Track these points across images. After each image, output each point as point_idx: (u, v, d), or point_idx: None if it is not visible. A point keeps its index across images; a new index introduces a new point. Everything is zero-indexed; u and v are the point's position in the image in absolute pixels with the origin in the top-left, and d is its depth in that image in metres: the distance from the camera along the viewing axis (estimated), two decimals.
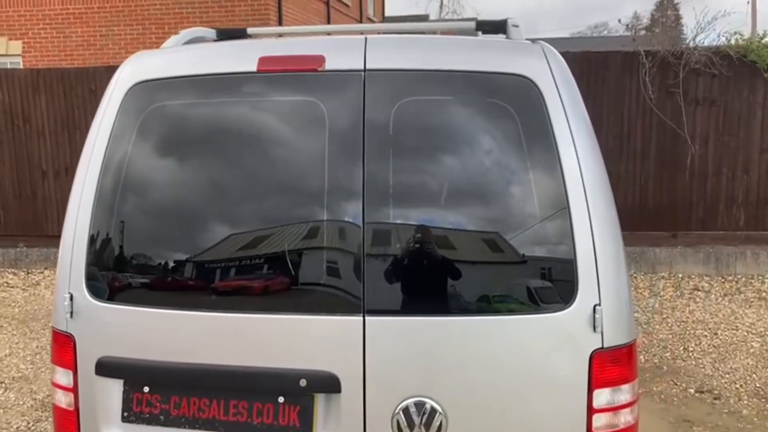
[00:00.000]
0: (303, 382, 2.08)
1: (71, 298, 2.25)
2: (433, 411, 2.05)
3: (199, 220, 2.18)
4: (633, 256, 8.01)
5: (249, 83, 2.17)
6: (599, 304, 2.06)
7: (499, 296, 2.10)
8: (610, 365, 2.10)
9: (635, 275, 7.97)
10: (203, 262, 2.17)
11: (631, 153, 8.19)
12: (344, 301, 2.08)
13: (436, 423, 2.05)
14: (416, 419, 2.05)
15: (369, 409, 2.07)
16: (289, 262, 2.11)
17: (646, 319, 6.71)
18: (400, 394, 2.06)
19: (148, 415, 2.21)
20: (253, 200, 2.16)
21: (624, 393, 2.13)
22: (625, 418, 2.14)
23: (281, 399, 2.13)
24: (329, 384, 2.07)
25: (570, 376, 2.07)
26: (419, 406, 2.06)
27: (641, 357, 5.73)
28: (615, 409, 2.12)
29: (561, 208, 2.07)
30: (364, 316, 2.06)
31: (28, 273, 8.69)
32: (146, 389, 2.21)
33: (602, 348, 2.08)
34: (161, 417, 2.20)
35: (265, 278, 2.15)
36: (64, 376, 2.30)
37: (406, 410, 2.06)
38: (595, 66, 8.06)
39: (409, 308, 2.09)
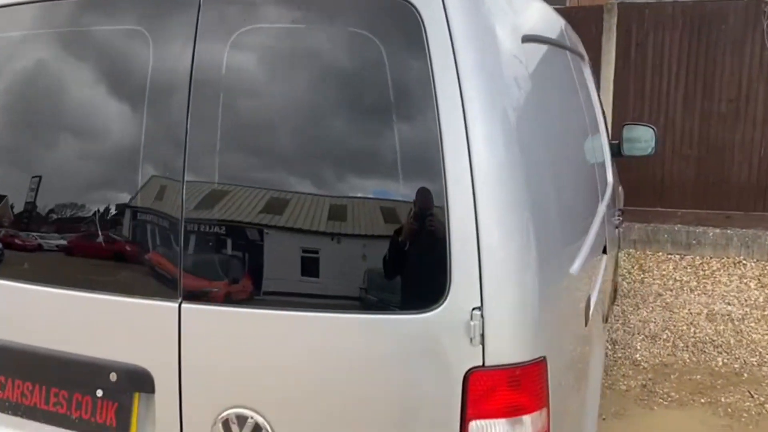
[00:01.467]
0: (113, 377, 1.72)
1: None
2: (258, 428, 1.62)
3: None
4: (744, 240, 6.96)
5: (59, 10, 1.79)
6: (480, 308, 1.53)
7: (348, 288, 1.61)
8: (498, 389, 1.56)
9: (744, 261, 6.93)
10: (9, 224, 1.84)
11: (749, 120, 7.07)
12: (158, 281, 1.69)
13: None
14: None
15: (186, 417, 1.67)
16: (99, 230, 1.73)
17: (742, 315, 5.77)
18: (222, 402, 1.65)
19: None
20: (59, 155, 1.79)
21: (519, 427, 1.59)
22: None
23: (99, 393, 1.78)
24: (141, 381, 1.70)
25: (436, 401, 1.57)
26: (241, 419, 1.63)
27: (720, 359, 4.90)
28: None
29: (433, 181, 1.53)
30: (180, 303, 1.65)
31: None
32: None
33: (482, 366, 1.55)
34: None
35: (71, 247, 1.79)
36: None
37: (226, 423, 1.64)
38: (709, 19, 6.98)
39: (235, 297, 1.65)
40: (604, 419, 4.05)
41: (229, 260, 1.64)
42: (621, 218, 4.21)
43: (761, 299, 6.14)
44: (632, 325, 5.59)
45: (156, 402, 1.69)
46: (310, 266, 1.60)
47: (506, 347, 1.55)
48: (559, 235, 1.82)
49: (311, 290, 1.61)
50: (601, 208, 2.93)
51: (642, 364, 4.85)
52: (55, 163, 1.80)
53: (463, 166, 1.52)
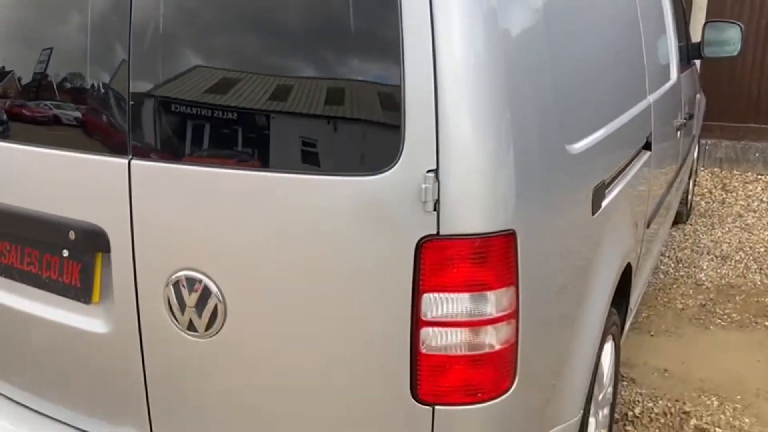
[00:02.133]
0: (72, 235, 1.69)
1: None
2: (207, 291, 1.55)
3: None
4: None
5: None
6: (435, 171, 1.37)
7: (298, 148, 1.48)
8: (455, 262, 1.42)
9: None
10: None
11: None
12: (109, 138, 1.61)
13: (210, 307, 1.56)
14: (187, 299, 1.57)
15: (140, 277, 1.63)
16: (54, 88, 1.67)
17: None
18: (173, 264, 1.58)
19: None
20: (14, 18, 1.72)
21: (479, 304, 1.45)
22: (479, 339, 1.47)
23: (66, 253, 1.76)
24: (98, 240, 1.65)
25: (386, 271, 1.44)
26: (191, 282, 1.56)
27: None
28: (460, 324, 1.45)
29: (388, 33, 1.36)
30: (130, 159, 1.58)
31: None
32: None
33: (437, 235, 1.40)
34: None
35: (29, 105, 1.74)
36: None
37: (176, 285, 1.58)
38: None
39: (184, 154, 1.55)
40: (652, 335, 3.83)
41: (180, 118, 1.54)
42: (686, 121, 3.85)
43: None
44: (702, 245, 5.23)
45: (112, 262, 1.65)
46: (260, 125, 1.48)
47: (464, 215, 1.39)
48: (553, 107, 1.61)
49: (260, 149, 1.49)
50: (646, 103, 2.64)
51: (705, 284, 4.54)
52: (10, 26, 1.75)
53: (422, 16, 1.34)
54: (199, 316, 1.57)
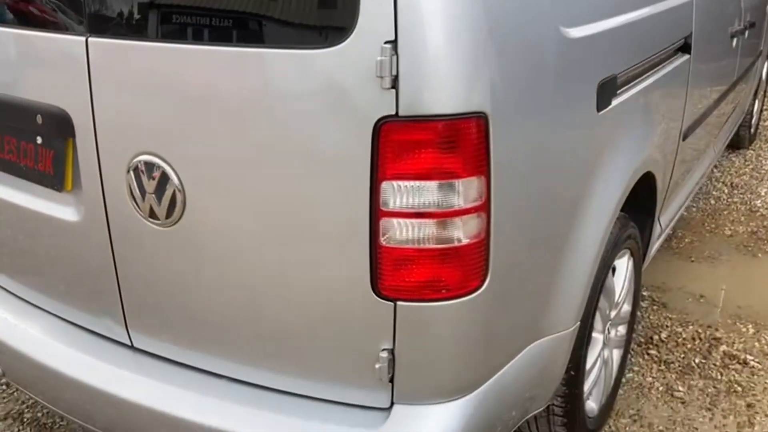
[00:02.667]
0: (39, 119, 1.64)
1: None
2: (165, 177, 1.48)
3: None
4: None
5: None
6: (394, 42, 1.24)
7: (248, 20, 1.37)
8: (416, 146, 1.30)
9: None
10: None
11: None
12: (65, 11, 1.54)
13: (169, 193, 1.49)
14: (147, 185, 1.51)
15: (103, 162, 1.57)
16: None
17: None
18: (132, 148, 1.52)
19: None
20: None
21: (450, 193, 1.33)
22: (445, 232, 1.36)
23: (39, 140, 1.72)
24: (62, 124, 1.60)
25: (343, 155, 1.33)
26: (149, 167, 1.50)
27: None
28: (425, 216, 1.34)
29: None
30: (87, 36, 1.50)
31: None
32: None
33: (396, 116, 1.28)
34: None
35: None
36: None
37: (136, 170, 1.52)
38: None
39: (140, 29, 1.46)
40: (693, 261, 3.63)
41: None
42: (746, 29, 3.51)
43: None
44: (764, 171, 4.90)
45: (77, 147, 1.60)
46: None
47: (427, 94, 1.26)
48: None
49: (213, 22, 1.39)
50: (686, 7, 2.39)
51: (761, 210, 4.25)
52: None
53: None
54: (159, 203, 1.51)
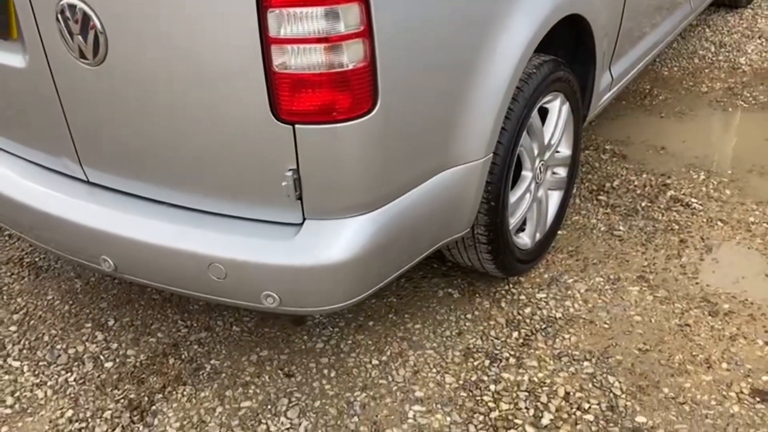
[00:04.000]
0: None
1: None
2: (87, 18, 1.64)
3: None
4: None
5: None
6: None
7: None
8: None
9: None
10: None
11: None
12: None
13: (92, 33, 1.65)
14: (73, 27, 1.67)
15: (35, 6, 1.72)
16: None
17: None
18: None
19: None
20: None
21: (331, 21, 1.47)
22: (332, 58, 1.51)
23: None
24: None
25: None
26: (71, 9, 1.65)
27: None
28: (310, 41, 1.49)
29: None
30: None
31: None
32: None
33: None
34: None
35: None
36: None
37: (63, 13, 1.67)
38: None
39: None
40: (662, 117, 3.71)
41: None
42: None
43: None
44: (756, 30, 4.82)
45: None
46: None
47: None
48: None
49: None
50: None
51: (743, 67, 4.25)
52: None
53: None
54: (86, 43, 1.67)
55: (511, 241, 2.30)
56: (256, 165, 1.66)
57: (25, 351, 2.32)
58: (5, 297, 2.57)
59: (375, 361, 2.20)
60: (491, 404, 2.02)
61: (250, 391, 2.12)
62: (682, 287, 2.44)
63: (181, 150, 1.73)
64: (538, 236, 2.48)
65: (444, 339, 2.26)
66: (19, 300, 2.55)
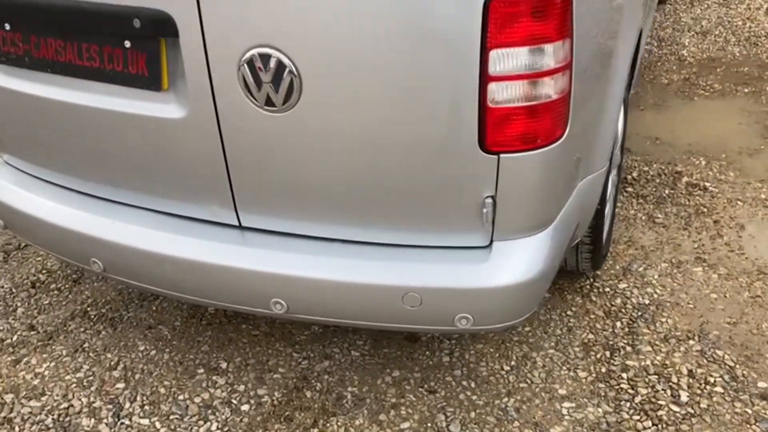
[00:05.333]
0: (137, 23, 1.73)
1: None
2: (282, 66, 1.64)
3: None
4: None
5: None
6: None
7: None
8: (518, 17, 1.52)
9: None
10: None
11: None
12: None
13: (286, 82, 1.66)
14: (264, 75, 1.67)
15: (212, 58, 1.70)
16: None
17: None
18: (243, 42, 1.65)
19: (14, 56, 2.01)
20: None
21: (540, 57, 1.57)
22: (539, 91, 1.61)
23: (128, 44, 1.81)
24: (164, 25, 1.70)
25: (456, 30, 1.54)
26: (265, 58, 1.65)
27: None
28: (523, 77, 1.59)
29: None
30: None
31: None
32: (7, 26, 1.97)
33: None
34: (26, 59, 1.99)
35: None
36: None
37: (251, 63, 1.66)
38: None
39: None
40: (642, 110, 4.05)
41: None
42: None
43: None
44: (683, 23, 5.34)
45: (181, 46, 1.71)
46: None
47: None
48: None
49: None
50: None
51: (688, 59, 4.71)
52: None
53: None
54: (276, 91, 1.67)
55: (602, 238, 2.50)
56: (453, 195, 1.74)
57: (147, 407, 2.24)
58: (92, 354, 2.46)
59: (506, 367, 2.32)
60: (630, 391, 2.21)
61: (403, 411, 2.18)
62: (736, 263, 2.74)
63: (368, 186, 1.77)
64: (607, 230, 2.70)
65: (558, 337, 2.42)
66: (109, 355, 2.45)
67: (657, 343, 2.38)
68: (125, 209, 2.08)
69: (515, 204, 1.75)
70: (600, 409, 2.15)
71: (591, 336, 2.42)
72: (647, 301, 2.56)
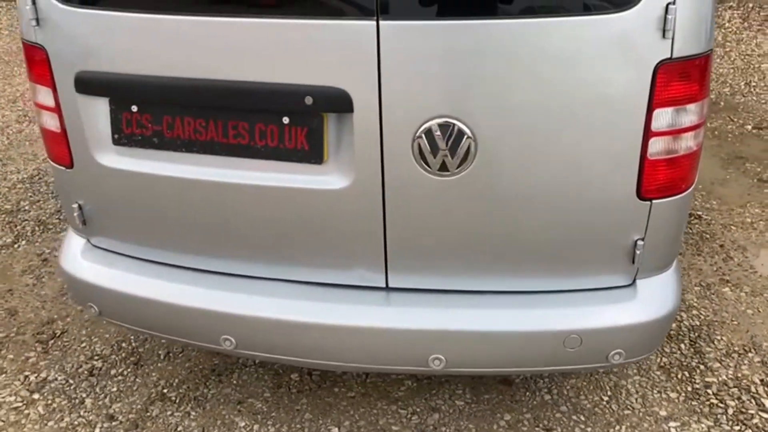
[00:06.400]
0: (309, 100, 1.77)
1: (33, 2, 1.91)
2: (461, 134, 1.75)
3: None
4: None
5: None
6: (672, 2, 1.64)
7: None
8: (678, 80, 1.73)
9: None
10: None
11: None
12: (353, 0, 1.70)
13: (463, 147, 1.76)
14: (441, 143, 1.76)
15: (386, 131, 1.77)
16: None
17: None
18: (423, 114, 1.75)
19: (140, 137, 1.97)
20: None
21: (689, 114, 1.78)
22: (686, 143, 1.82)
23: (286, 120, 1.84)
24: (339, 102, 1.76)
25: (627, 93, 1.72)
26: (444, 128, 1.75)
27: None
28: (676, 132, 1.79)
29: None
30: (377, 20, 1.68)
31: None
32: (134, 108, 1.94)
33: (670, 59, 1.69)
34: (155, 139, 1.96)
35: None
36: (44, 95, 2.04)
37: (429, 133, 1.76)
38: None
39: (433, 9, 1.69)
40: None
41: None
42: None
43: (719, 38, 6.50)
44: None
45: (354, 119, 1.77)
46: None
47: (690, 40, 1.69)
48: None
49: None
50: None
51: None
52: None
53: None
54: (452, 157, 1.77)
55: None
56: (606, 240, 1.90)
57: None
58: None
59: (605, 397, 2.48)
60: (721, 405, 2.43)
61: None
62: (755, 281, 3.08)
63: (527, 238, 1.89)
64: None
65: (637, 364, 2.62)
66: None
67: (723, 358, 2.64)
68: (259, 282, 2.07)
69: (659, 244, 1.94)
70: (703, 425, 2.35)
71: (665, 359, 2.64)
72: (698, 322, 2.83)
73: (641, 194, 1.83)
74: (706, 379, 2.54)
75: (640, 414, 2.40)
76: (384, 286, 2.02)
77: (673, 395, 2.48)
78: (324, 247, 1.97)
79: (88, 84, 1.93)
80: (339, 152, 1.85)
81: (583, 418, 2.40)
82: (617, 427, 2.36)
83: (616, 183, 1.82)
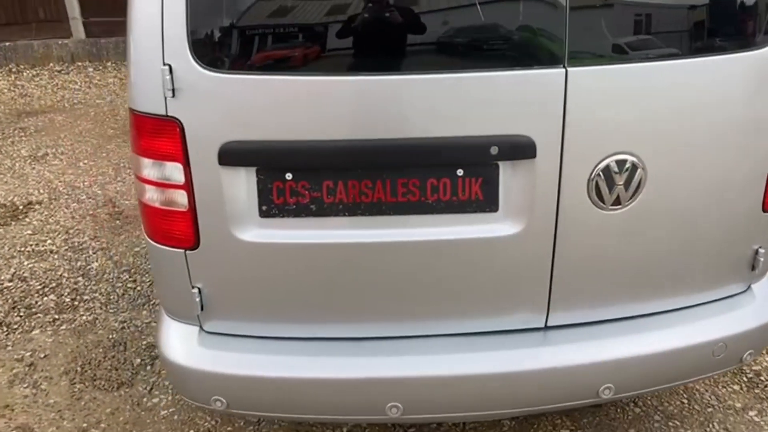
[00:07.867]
0: (494, 150, 1.78)
1: (170, 71, 1.73)
2: (635, 167, 1.85)
3: None
4: None
5: None
6: None
7: (709, 32, 1.85)
8: None
9: None
10: (355, 14, 1.72)
11: None
12: (541, 50, 1.74)
13: (636, 179, 1.87)
14: (617, 177, 1.85)
15: (566, 172, 1.83)
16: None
17: None
18: (600, 152, 1.83)
19: (294, 206, 1.84)
20: None
21: None
22: None
23: (460, 172, 1.83)
24: (524, 149, 1.79)
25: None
26: (621, 163, 1.84)
27: None
28: None
29: None
30: (566, 67, 1.74)
31: None
32: (289, 176, 1.82)
33: None
34: (312, 206, 1.84)
35: (437, 29, 1.73)
36: (169, 172, 1.83)
37: (606, 169, 1.84)
38: None
39: (616, 54, 1.79)
40: None
41: (615, 15, 1.76)
42: None
43: None
44: None
45: (536, 164, 1.80)
46: (689, 18, 1.80)
47: None
48: None
49: (687, 37, 1.82)
50: None
51: None
52: None
53: None
54: (626, 190, 1.86)
55: None
56: (735, 251, 2.09)
57: None
58: None
59: (684, 400, 2.68)
60: None
61: None
62: None
63: (680, 259, 2.03)
64: None
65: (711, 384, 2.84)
66: None
67: None
68: (419, 341, 2.01)
69: None
70: None
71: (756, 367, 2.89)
72: None
73: (765, 207, 2.05)
74: (753, 368, 2.83)
75: (722, 409, 2.62)
76: (543, 326, 2.05)
77: (737, 387, 2.73)
78: (490, 295, 1.96)
79: (234, 155, 1.78)
80: (510, 198, 1.86)
81: (678, 423, 2.56)
82: (711, 425, 2.55)
83: (750, 198, 2.02)
